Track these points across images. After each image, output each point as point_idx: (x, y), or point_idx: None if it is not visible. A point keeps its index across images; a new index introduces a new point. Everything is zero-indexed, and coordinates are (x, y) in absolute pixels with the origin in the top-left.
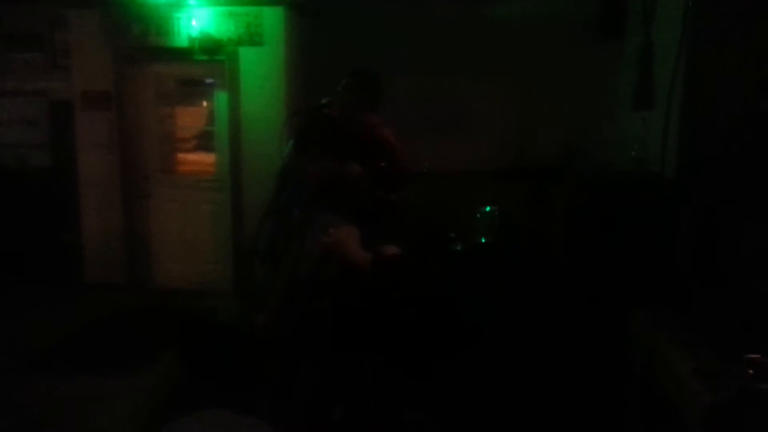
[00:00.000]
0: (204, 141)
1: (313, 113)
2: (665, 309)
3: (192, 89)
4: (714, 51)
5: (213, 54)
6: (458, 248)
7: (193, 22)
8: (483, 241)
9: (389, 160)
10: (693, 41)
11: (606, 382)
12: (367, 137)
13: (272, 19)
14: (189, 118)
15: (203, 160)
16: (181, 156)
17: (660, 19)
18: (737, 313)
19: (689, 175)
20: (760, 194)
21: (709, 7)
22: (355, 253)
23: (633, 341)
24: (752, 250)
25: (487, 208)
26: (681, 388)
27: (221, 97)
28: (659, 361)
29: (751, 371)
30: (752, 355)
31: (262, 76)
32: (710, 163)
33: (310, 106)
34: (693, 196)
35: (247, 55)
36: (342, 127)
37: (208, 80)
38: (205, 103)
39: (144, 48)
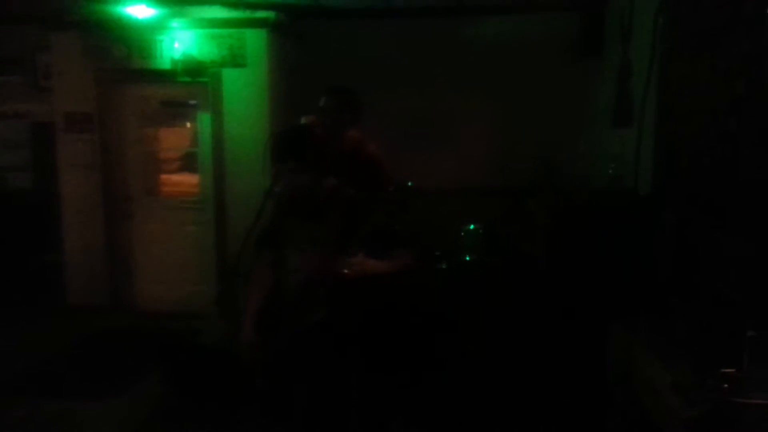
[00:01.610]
0: (187, 162)
1: (293, 132)
2: (643, 321)
3: (175, 110)
4: (685, 69)
5: (196, 76)
6: (443, 266)
7: (176, 45)
8: (467, 258)
9: (374, 175)
10: (664, 59)
11: (585, 395)
12: (352, 153)
13: (255, 41)
14: (172, 140)
15: (186, 181)
16: (164, 177)
17: (637, 38)
18: (712, 325)
19: (663, 191)
20: (730, 209)
21: (679, 26)
22: (378, 266)
23: (611, 354)
24: (725, 262)
25: (471, 226)
26: (658, 401)
27: (204, 119)
28: (637, 373)
29: (726, 385)
30: (727, 370)
31: (245, 97)
32: (683, 178)
33: (292, 125)
34: (668, 211)
35: (230, 77)
36: (324, 145)
37: (191, 102)
38: (188, 125)
39: (126, 70)
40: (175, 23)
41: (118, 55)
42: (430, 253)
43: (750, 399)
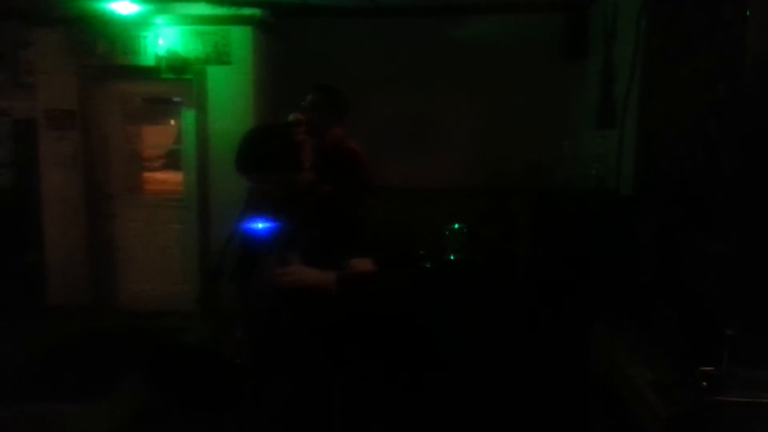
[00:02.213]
0: (171, 160)
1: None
2: (624, 321)
3: (159, 108)
4: (666, 71)
5: (180, 72)
6: (427, 265)
7: (160, 41)
8: (452, 258)
9: (355, 172)
10: (646, 62)
11: (568, 395)
12: (334, 150)
13: (240, 38)
14: (156, 137)
15: (170, 179)
16: (147, 175)
17: (620, 40)
18: (692, 325)
19: (645, 192)
20: (711, 210)
21: (661, 28)
22: (314, 278)
23: (593, 353)
24: (705, 262)
25: (456, 225)
26: (639, 399)
27: (189, 116)
28: (618, 373)
29: (705, 384)
30: (706, 368)
31: (230, 94)
32: (664, 180)
33: (275, 123)
34: (649, 213)
35: (215, 74)
36: (305, 143)
37: (176, 99)
38: (172, 122)
39: (110, 66)
40: (159, 19)
41: (102, 51)
42: (412, 253)
43: (729, 397)
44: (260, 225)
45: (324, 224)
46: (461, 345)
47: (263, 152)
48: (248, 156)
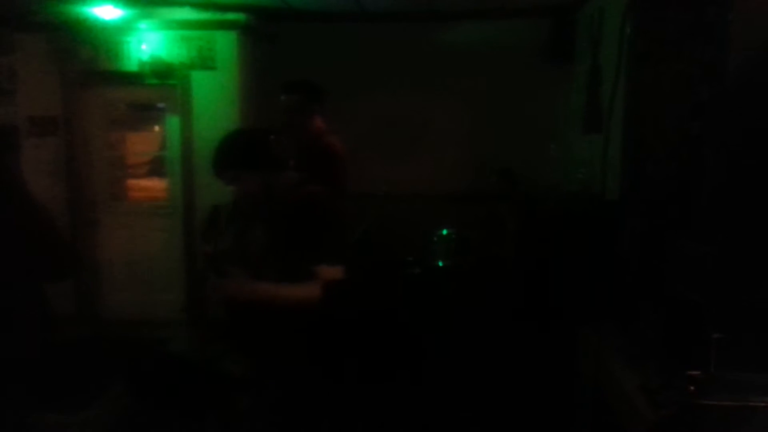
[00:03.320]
0: (155, 166)
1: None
2: (611, 325)
3: (143, 114)
4: (651, 75)
5: (164, 78)
6: (416, 272)
7: (144, 46)
8: (440, 264)
9: (329, 169)
10: (631, 65)
11: (555, 398)
12: (314, 144)
13: (225, 43)
14: (140, 144)
15: (155, 186)
16: (131, 182)
17: (606, 44)
18: (679, 328)
19: (630, 196)
20: (696, 213)
21: (645, 32)
22: (274, 292)
23: (580, 357)
24: (691, 266)
25: (444, 231)
26: (626, 404)
27: (173, 122)
28: (606, 377)
29: (692, 387)
30: (692, 372)
31: (215, 100)
32: (649, 183)
33: (253, 127)
34: (635, 216)
35: (199, 79)
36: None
37: (160, 105)
38: (156, 128)
39: (93, 72)
40: (143, 24)
41: (85, 57)
42: (401, 258)
43: (716, 401)
44: None
45: (298, 228)
46: (449, 350)
47: (235, 151)
48: (221, 155)
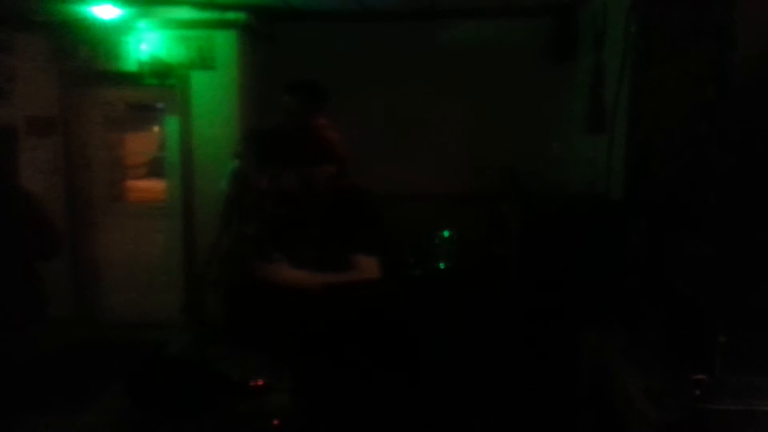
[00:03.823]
0: (154, 167)
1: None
2: (616, 327)
3: (142, 114)
4: (656, 74)
5: (163, 78)
6: (417, 273)
7: (143, 46)
8: (442, 266)
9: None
10: (636, 64)
11: (558, 401)
12: (313, 139)
13: (225, 43)
14: (138, 144)
15: (153, 186)
16: (130, 183)
17: (609, 43)
18: (684, 331)
19: (635, 196)
20: (701, 213)
21: (650, 30)
22: (295, 277)
23: (585, 359)
24: (697, 267)
25: (446, 233)
26: (630, 406)
27: (172, 122)
28: (609, 379)
29: (698, 391)
30: (698, 376)
31: (214, 100)
32: (654, 183)
33: (262, 129)
34: (639, 216)
35: (199, 79)
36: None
37: (159, 105)
38: (155, 129)
39: (92, 72)
40: (142, 24)
41: (83, 56)
42: (403, 260)
43: (721, 405)
44: None
45: (336, 219)
46: (451, 352)
47: (276, 147)
48: (261, 151)
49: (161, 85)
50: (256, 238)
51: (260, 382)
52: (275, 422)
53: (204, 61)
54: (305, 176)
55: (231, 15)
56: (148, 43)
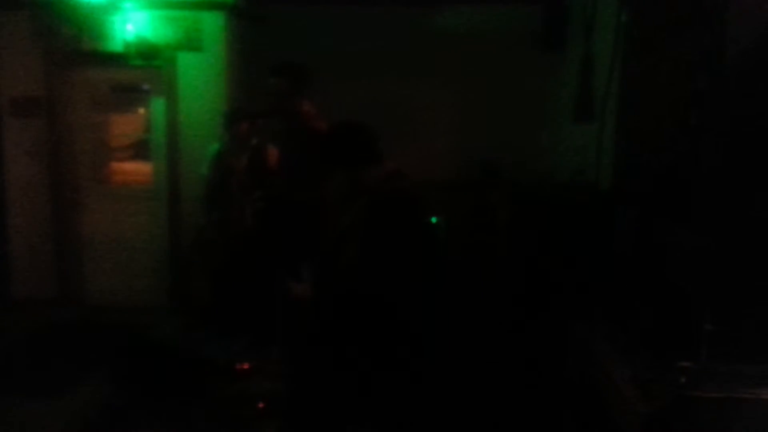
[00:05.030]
0: (140, 149)
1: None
2: (603, 316)
3: (127, 95)
4: (647, 63)
5: (150, 59)
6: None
7: (129, 26)
8: None
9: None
10: (627, 53)
11: (546, 390)
12: (300, 128)
13: (212, 24)
14: (124, 126)
15: (139, 169)
16: (115, 165)
17: (599, 32)
18: (671, 320)
19: (624, 185)
20: (691, 203)
21: (642, 19)
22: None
23: (572, 348)
24: (684, 256)
25: (433, 219)
26: (617, 395)
27: (158, 104)
28: (596, 367)
29: (684, 379)
30: (684, 363)
31: (201, 82)
32: (644, 172)
33: (249, 111)
34: (629, 206)
35: (185, 61)
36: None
37: (145, 86)
38: (141, 110)
39: (77, 52)
40: (128, 4)
41: (69, 36)
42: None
43: (707, 393)
44: None
45: (384, 220)
46: (439, 342)
47: (329, 147)
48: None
49: (147, 66)
50: (288, 256)
51: (246, 366)
52: (260, 405)
53: (191, 43)
54: (355, 177)
55: None
56: (134, 24)
